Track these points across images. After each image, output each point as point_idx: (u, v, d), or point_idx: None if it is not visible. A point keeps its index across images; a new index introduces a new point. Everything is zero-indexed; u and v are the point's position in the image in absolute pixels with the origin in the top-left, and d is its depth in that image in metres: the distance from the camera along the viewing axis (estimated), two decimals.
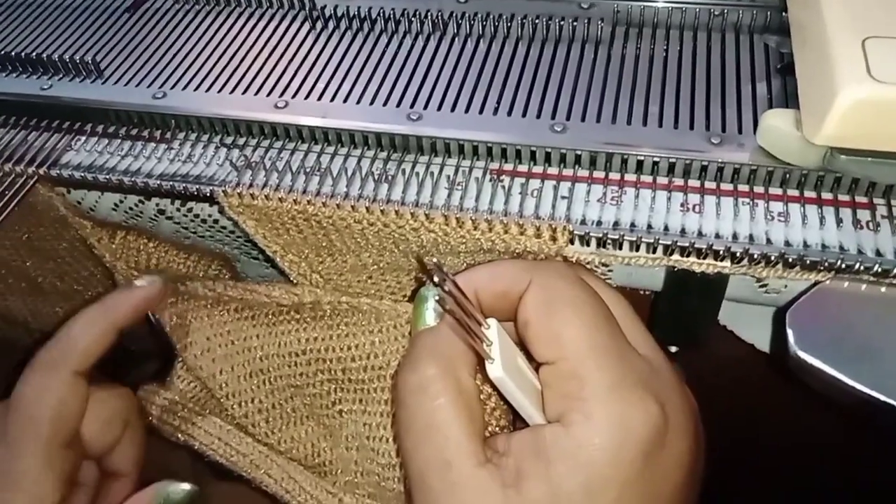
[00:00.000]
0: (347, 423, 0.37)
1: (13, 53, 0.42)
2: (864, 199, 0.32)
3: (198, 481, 0.50)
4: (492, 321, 0.29)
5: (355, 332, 0.35)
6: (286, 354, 0.37)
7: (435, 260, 0.27)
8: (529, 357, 0.30)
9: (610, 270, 0.38)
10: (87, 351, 0.37)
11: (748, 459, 0.51)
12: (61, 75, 0.42)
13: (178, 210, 0.42)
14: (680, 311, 0.38)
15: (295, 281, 0.39)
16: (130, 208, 0.43)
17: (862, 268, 0.30)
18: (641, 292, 0.42)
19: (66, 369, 0.36)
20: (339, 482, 0.38)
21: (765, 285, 0.35)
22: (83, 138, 0.41)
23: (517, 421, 0.31)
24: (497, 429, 0.30)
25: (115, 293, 0.39)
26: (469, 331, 0.28)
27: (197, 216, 0.42)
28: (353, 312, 0.36)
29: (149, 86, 0.41)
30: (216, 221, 0.42)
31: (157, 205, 0.42)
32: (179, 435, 0.40)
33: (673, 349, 0.43)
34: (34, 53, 0.42)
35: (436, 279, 0.26)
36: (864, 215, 0.32)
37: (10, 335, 0.55)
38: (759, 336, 0.42)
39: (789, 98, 0.35)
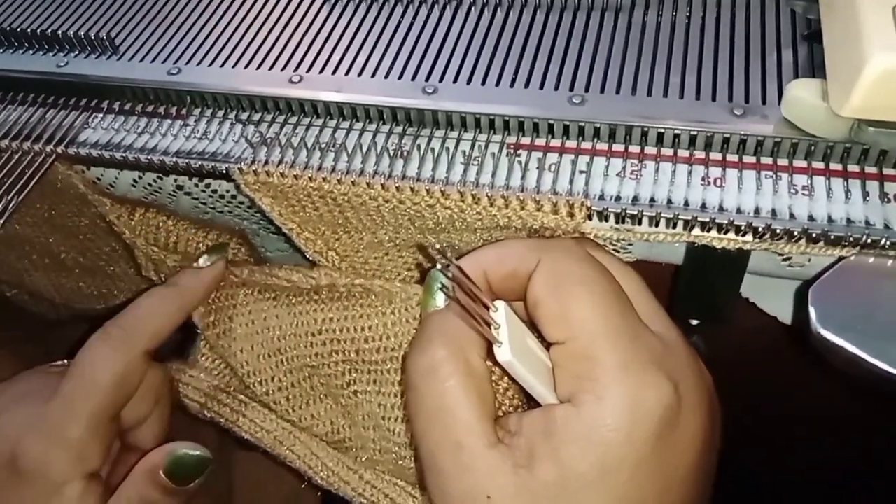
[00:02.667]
0: (363, 403, 0.37)
1: (29, 30, 0.42)
2: (892, 172, 0.31)
3: (224, 453, 0.51)
4: (499, 303, 0.29)
5: (369, 313, 0.35)
6: (303, 335, 0.37)
7: (438, 245, 0.26)
8: (540, 337, 0.30)
9: (630, 245, 0.37)
10: (157, 331, 0.37)
11: (771, 432, 0.51)
12: (77, 52, 0.42)
13: (197, 186, 0.42)
14: (701, 285, 0.38)
15: (311, 258, 0.39)
16: (149, 184, 0.43)
17: (888, 243, 0.29)
18: (662, 265, 0.42)
19: (136, 347, 0.36)
20: (360, 458, 0.39)
21: (788, 259, 0.34)
22: (100, 115, 0.41)
23: (530, 400, 0.31)
24: (510, 409, 0.30)
25: (184, 274, 0.40)
26: (475, 316, 0.27)
27: (215, 192, 0.42)
28: (366, 294, 0.36)
29: (164, 62, 0.40)
30: (234, 197, 0.42)
31: (176, 181, 0.42)
32: (206, 412, 0.40)
33: (694, 322, 0.42)
34: (50, 30, 0.42)
35: (438, 265, 0.26)
36: (892, 188, 0.31)
37: (36, 309, 0.56)
38: (782, 309, 0.42)
39: (816, 67, 0.34)
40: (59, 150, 0.39)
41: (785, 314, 0.42)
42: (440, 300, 0.31)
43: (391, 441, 0.37)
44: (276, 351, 0.38)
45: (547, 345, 0.30)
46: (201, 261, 0.40)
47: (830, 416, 0.47)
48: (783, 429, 0.50)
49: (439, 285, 0.30)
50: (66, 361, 0.40)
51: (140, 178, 0.42)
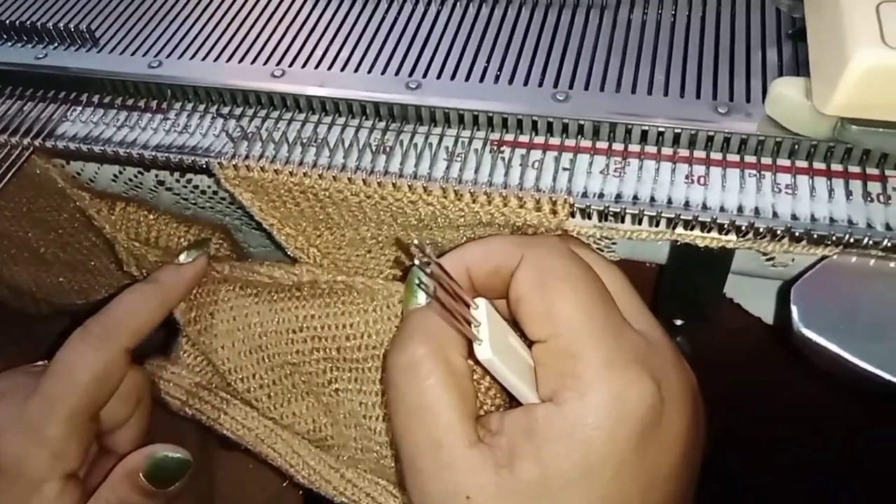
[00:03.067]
0: (343, 401, 0.37)
1: (7, 21, 0.41)
2: (875, 171, 0.31)
3: (205, 452, 0.50)
4: (480, 301, 0.29)
5: (350, 310, 0.35)
6: (284, 332, 0.37)
7: (417, 241, 0.26)
8: (523, 336, 0.29)
9: (613, 243, 0.37)
10: (138, 328, 0.37)
11: (755, 432, 0.51)
12: (56, 44, 0.41)
13: (178, 181, 0.42)
14: (685, 285, 0.38)
15: (292, 255, 0.39)
16: (130, 179, 0.42)
17: (871, 242, 0.29)
18: (647, 265, 0.42)
19: (117, 344, 0.36)
20: (342, 457, 0.38)
21: (771, 259, 0.34)
22: (79, 108, 0.40)
23: (512, 399, 0.31)
24: (492, 408, 0.30)
25: (165, 270, 0.39)
26: (456, 313, 0.27)
27: (196, 187, 0.42)
28: (348, 291, 0.35)
29: (144, 54, 0.40)
30: (216, 192, 0.42)
31: (157, 176, 0.41)
32: (187, 409, 0.40)
33: (678, 322, 0.42)
34: (28, 21, 0.41)
35: (417, 262, 0.26)
36: (874, 188, 0.31)
37: (17, 304, 0.55)
38: (766, 309, 0.41)
39: (801, 66, 0.34)
40: (37, 142, 0.38)
41: (769, 314, 0.42)
42: (421, 298, 0.31)
43: (372, 440, 0.37)
44: (258, 348, 0.38)
45: (529, 343, 0.29)
46: (182, 257, 0.39)
47: (814, 416, 0.47)
48: (767, 429, 0.50)
49: (419, 282, 0.30)
50: (46, 362, 0.39)
51: (121, 173, 0.42)
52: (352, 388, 0.37)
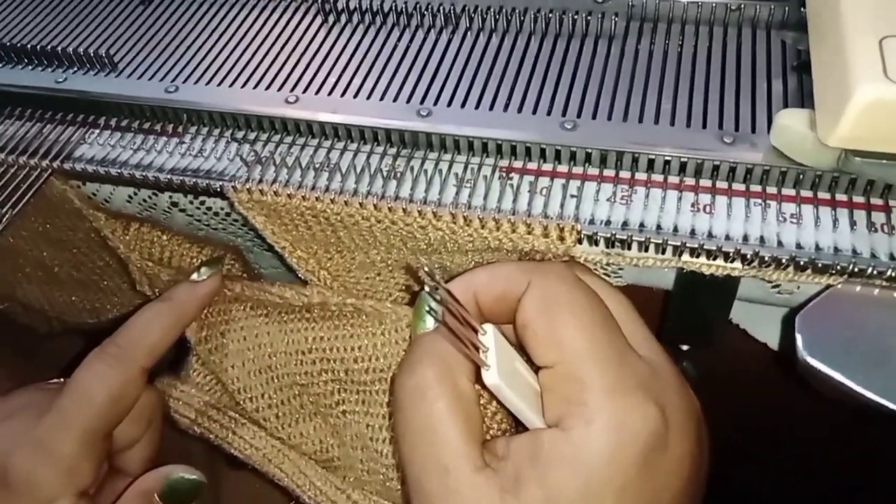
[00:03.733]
0: (351, 423, 0.37)
1: (28, 46, 0.42)
2: (879, 202, 0.32)
3: (213, 470, 0.51)
4: (488, 327, 0.29)
5: (359, 333, 0.35)
6: (293, 352, 0.37)
7: (427, 268, 0.26)
8: (529, 360, 0.30)
9: (620, 269, 0.37)
10: (154, 348, 0.37)
11: (762, 457, 0.51)
12: (76, 68, 0.42)
13: (192, 203, 0.42)
14: (691, 311, 0.38)
15: (303, 277, 0.39)
16: (144, 200, 0.43)
17: (875, 272, 0.29)
18: (653, 289, 0.42)
19: (133, 364, 0.36)
20: (348, 478, 0.38)
21: (777, 286, 0.35)
22: (97, 131, 0.41)
23: (519, 424, 0.31)
24: (498, 433, 0.30)
25: (179, 288, 0.39)
26: (463, 338, 0.27)
27: (210, 209, 0.42)
28: (357, 314, 0.36)
29: (161, 79, 0.41)
30: (228, 214, 0.42)
31: (171, 197, 0.42)
32: (196, 428, 0.40)
33: (685, 347, 0.43)
34: (49, 46, 0.42)
35: (426, 287, 0.26)
36: (879, 218, 0.31)
37: (29, 321, 0.56)
38: (771, 334, 0.42)
39: (805, 97, 0.35)
40: (55, 165, 0.39)
41: (775, 340, 0.42)
42: (430, 323, 0.31)
43: (379, 462, 0.37)
44: (267, 368, 0.38)
45: (536, 368, 0.30)
46: (196, 275, 0.39)
47: (819, 439, 0.47)
48: (773, 454, 0.50)
49: (428, 308, 0.31)
50: (62, 379, 0.39)
51: (135, 194, 0.43)
52: (359, 410, 0.37)
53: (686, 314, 0.39)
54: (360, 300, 0.36)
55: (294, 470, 0.39)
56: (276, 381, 0.38)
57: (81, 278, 0.49)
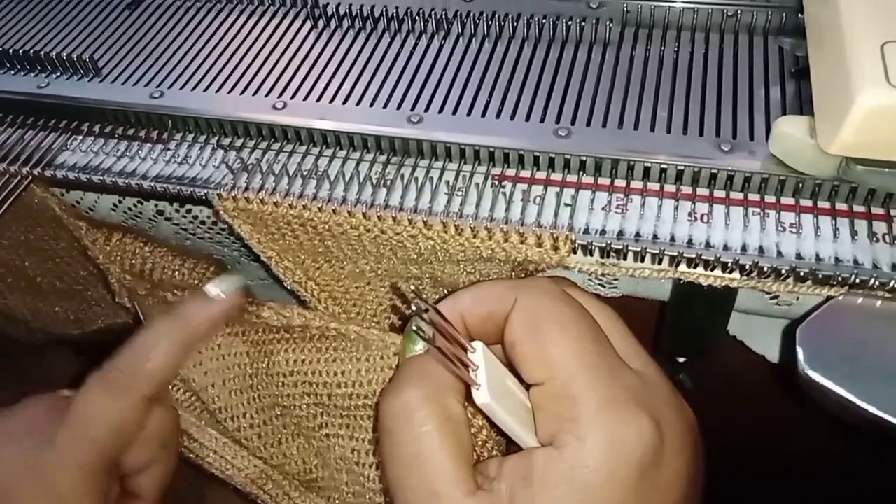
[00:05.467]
0: (335, 447, 0.36)
1: (10, 51, 0.41)
2: (880, 211, 0.31)
3: (196, 486, 0.50)
4: (478, 345, 0.28)
5: (343, 357, 0.34)
6: (274, 374, 0.36)
7: (413, 288, 0.25)
8: (520, 379, 0.29)
9: (615, 279, 0.37)
10: (159, 374, 0.35)
11: (757, 469, 0.50)
12: (59, 73, 0.41)
13: (177, 212, 0.41)
14: (688, 322, 0.37)
15: (289, 287, 0.38)
16: (129, 209, 0.42)
17: (877, 283, 0.29)
18: (649, 300, 0.41)
19: (135, 394, 0.34)
20: (333, 499, 0.37)
21: (775, 297, 0.34)
22: (79, 138, 0.40)
23: (510, 445, 0.30)
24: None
25: (190, 305, 0.35)
26: (453, 358, 0.27)
27: (196, 217, 0.42)
28: (341, 339, 0.34)
29: (146, 85, 0.40)
30: (215, 223, 0.41)
31: (156, 206, 0.41)
32: None
33: (681, 360, 0.42)
34: (31, 51, 0.41)
35: (414, 307, 0.25)
36: (880, 227, 0.30)
37: (12, 332, 0.55)
38: (769, 346, 0.41)
39: (804, 104, 0.34)
40: (36, 171, 0.38)
41: (772, 352, 0.41)
42: (419, 346, 0.30)
43: (365, 486, 0.36)
44: (248, 388, 0.37)
45: (527, 386, 0.29)
46: (211, 288, 0.35)
47: (816, 453, 0.46)
48: (769, 466, 0.49)
49: (416, 328, 0.30)
50: (67, 393, 0.37)
51: (120, 202, 0.42)
52: (343, 434, 0.36)
53: (683, 326, 0.38)
54: (343, 325, 0.35)
55: (278, 492, 0.38)
56: (257, 401, 0.37)
57: (64, 288, 0.48)
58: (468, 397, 0.28)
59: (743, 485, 0.47)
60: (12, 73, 0.42)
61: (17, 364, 0.56)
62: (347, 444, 0.36)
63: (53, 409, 0.35)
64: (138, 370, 0.34)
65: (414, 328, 0.29)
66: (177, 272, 0.44)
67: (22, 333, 0.54)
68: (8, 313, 0.52)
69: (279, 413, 0.37)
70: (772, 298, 0.34)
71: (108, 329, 0.51)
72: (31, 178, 0.39)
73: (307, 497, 0.37)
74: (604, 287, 0.38)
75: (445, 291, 0.37)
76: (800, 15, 0.36)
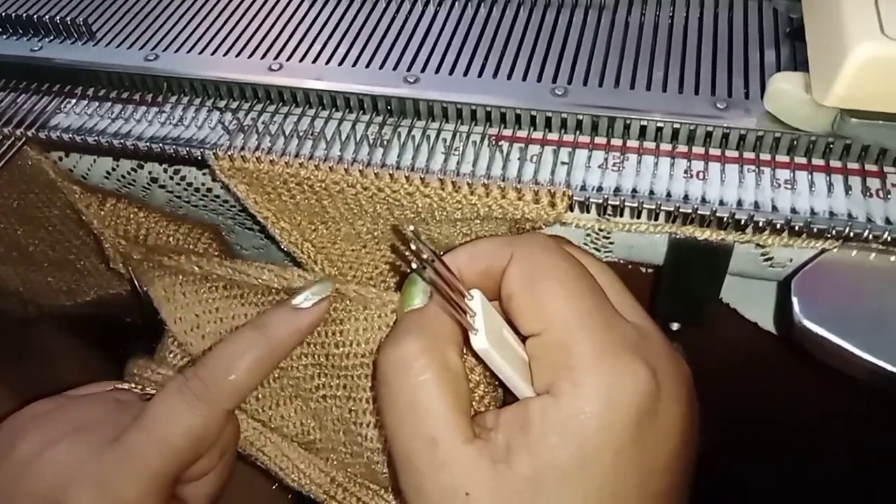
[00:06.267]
0: (332, 407, 0.36)
1: (3, 14, 0.41)
2: (874, 168, 0.31)
3: None
4: (475, 292, 0.28)
5: (342, 317, 0.34)
6: None
7: (412, 228, 0.25)
8: (517, 332, 0.29)
9: (611, 243, 0.37)
10: (242, 387, 0.33)
11: (751, 437, 0.50)
12: (52, 37, 0.41)
13: (171, 178, 0.41)
14: (682, 286, 0.37)
15: (285, 249, 0.38)
16: (123, 176, 0.42)
17: (871, 236, 0.29)
18: (642, 270, 0.41)
19: (217, 407, 0.33)
20: (331, 460, 0.37)
21: (770, 258, 0.34)
22: (73, 101, 0.40)
23: (507, 398, 0.30)
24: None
25: (278, 316, 0.34)
26: (452, 302, 0.27)
27: (190, 184, 0.41)
28: (340, 298, 0.34)
29: (141, 48, 0.40)
30: (209, 190, 0.41)
31: (150, 173, 0.41)
32: None
33: (675, 327, 0.42)
34: (24, 14, 0.41)
35: (413, 246, 0.25)
36: (873, 183, 0.31)
37: (3, 306, 0.54)
38: (762, 314, 0.41)
39: (798, 65, 0.34)
40: (30, 133, 0.38)
41: (765, 320, 0.41)
42: (417, 300, 0.30)
43: (363, 446, 0.36)
44: None
45: (523, 339, 0.29)
46: (300, 299, 0.34)
47: (811, 421, 0.47)
48: (763, 434, 0.49)
49: (419, 286, 0.30)
50: (133, 386, 0.36)
51: (114, 169, 0.41)
52: (340, 394, 0.36)
53: (677, 289, 0.38)
54: (343, 285, 0.35)
55: (276, 452, 0.38)
56: None
57: (57, 258, 0.48)
58: (467, 348, 0.28)
59: (733, 450, 0.47)
60: (5, 37, 0.42)
61: (7, 338, 0.56)
62: (345, 404, 0.36)
63: (118, 405, 0.34)
64: (221, 382, 0.33)
65: (414, 266, 0.29)
66: (171, 237, 0.43)
67: (13, 306, 0.54)
68: (0, 286, 0.51)
69: (276, 375, 0.37)
70: (766, 260, 0.35)
71: (99, 300, 0.51)
72: (24, 139, 0.38)
73: (305, 458, 0.37)
74: (599, 251, 0.38)
75: (442, 253, 0.37)
76: None
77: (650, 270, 0.41)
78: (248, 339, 0.34)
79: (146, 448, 0.31)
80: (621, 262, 0.38)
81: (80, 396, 0.35)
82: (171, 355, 0.40)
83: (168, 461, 0.31)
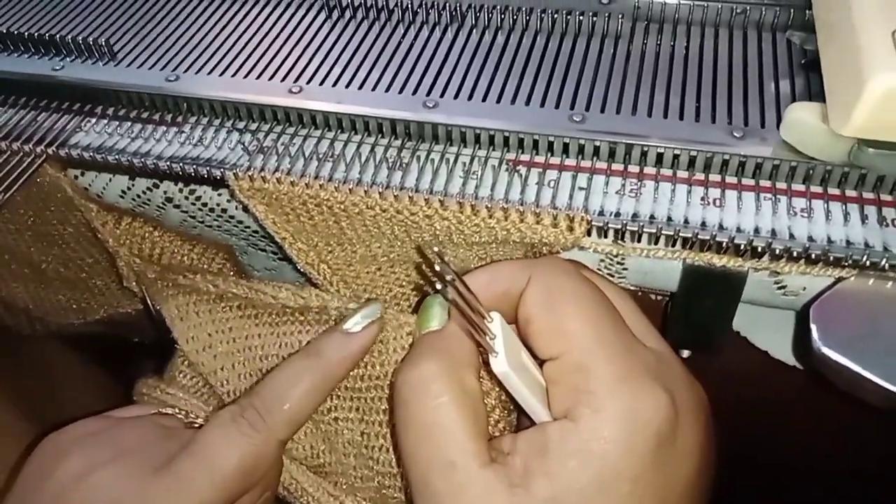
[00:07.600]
0: (343, 430, 0.36)
1: (26, 33, 0.42)
2: (889, 198, 0.32)
3: None
4: (495, 314, 0.28)
5: None
6: (285, 356, 0.35)
7: (437, 248, 0.26)
8: (534, 356, 0.29)
9: (625, 269, 0.37)
10: (297, 416, 0.33)
11: (761, 463, 0.50)
12: (74, 56, 0.41)
13: (186, 198, 0.41)
14: (695, 312, 0.38)
15: (302, 269, 0.38)
16: (138, 195, 0.42)
17: (888, 265, 0.29)
18: (653, 297, 0.42)
19: (271, 436, 0.32)
20: (340, 484, 0.37)
21: (783, 286, 0.34)
22: (93, 120, 0.40)
23: (521, 424, 0.30)
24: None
25: (330, 341, 0.33)
26: (473, 324, 0.27)
27: (205, 205, 0.42)
28: None
29: (162, 69, 0.40)
30: (224, 210, 0.41)
31: (165, 192, 0.41)
32: None
33: (685, 354, 0.42)
34: (47, 34, 0.41)
35: (437, 267, 0.25)
36: (889, 213, 0.31)
37: (10, 323, 0.54)
38: (772, 342, 0.41)
39: (813, 95, 0.35)
40: (50, 150, 0.38)
41: (775, 348, 0.41)
42: (435, 322, 0.30)
43: (374, 470, 0.36)
44: (258, 371, 0.37)
45: (541, 363, 0.29)
46: (351, 323, 0.33)
47: (823, 449, 0.47)
48: (774, 459, 0.49)
49: (437, 308, 0.30)
50: (177, 412, 0.36)
51: (129, 188, 0.42)
52: (353, 416, 0.36)
53: (690, 316, 0.38)
54: (360, 305, 0.35)
55: (285, 475, 0.38)
56: None
57: (69, 276, 0.48)
58: (485, 371, 0.28)
59: (744, 476, 0.47)
60: (27, 55, 0.42)
61: (13, 354, 0.55)
62: (357, 427, 0.35)
63: (165, 431, 0.34)
64: (276, 411, 0.32)
65: (435, 301, 0.30)
66: (186, 257, 0.44)
67: (21, 323, 0.54)
68: (9, 302, 0.51)
69: None
70: (779, 288, 0.35)
71: (108, 319, 0.51)
72: (44, 157, 0.39)
73: (315, 482, 0.37)
74: (613, 277, 0.38)
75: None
76: (808, 11, 0.37)
77: (660, 297, 0.41)
78: (301, 366, 0.33)
79: (197, 476, 0.31)
80: (633, 287, 0.39)
81: (124, 419, 0.35)
82: (182, 375, 0.39)
83: (217, 491, 0.31)
